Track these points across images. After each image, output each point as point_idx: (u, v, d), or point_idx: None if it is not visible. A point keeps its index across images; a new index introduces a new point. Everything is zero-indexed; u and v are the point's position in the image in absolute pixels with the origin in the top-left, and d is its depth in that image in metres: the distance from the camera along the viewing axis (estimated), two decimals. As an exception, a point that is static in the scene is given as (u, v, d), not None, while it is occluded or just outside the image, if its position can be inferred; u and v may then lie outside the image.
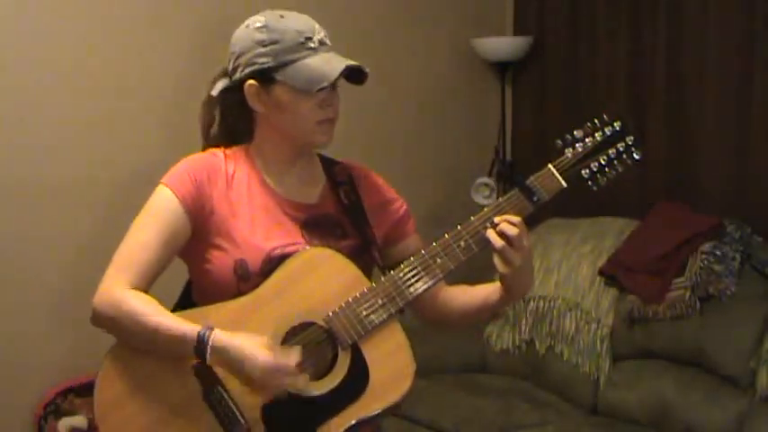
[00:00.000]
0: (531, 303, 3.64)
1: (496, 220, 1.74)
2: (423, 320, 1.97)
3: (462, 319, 1.95)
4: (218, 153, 1.86)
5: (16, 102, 3.17)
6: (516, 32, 4.32)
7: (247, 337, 1.69)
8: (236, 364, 1.67)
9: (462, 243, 1.76)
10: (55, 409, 3.22)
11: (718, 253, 3.24)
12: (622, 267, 3.43)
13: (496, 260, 1.75)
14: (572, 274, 3.57)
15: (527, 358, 3.63)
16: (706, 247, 3.28)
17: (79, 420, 3.20)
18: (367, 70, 1.78)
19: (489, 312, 1.92)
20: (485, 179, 4.10)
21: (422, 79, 4.16)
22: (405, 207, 1.97)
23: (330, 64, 1.74)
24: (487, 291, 1.88)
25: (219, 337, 1.68)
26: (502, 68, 4.20)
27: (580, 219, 3.76)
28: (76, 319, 3.27)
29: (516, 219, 1.74)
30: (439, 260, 1.76)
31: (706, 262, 3.23)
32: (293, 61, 1.74)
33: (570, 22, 4.09)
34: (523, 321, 3.65)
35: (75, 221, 3.29)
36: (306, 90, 1.74)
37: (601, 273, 3.50)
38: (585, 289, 3.52)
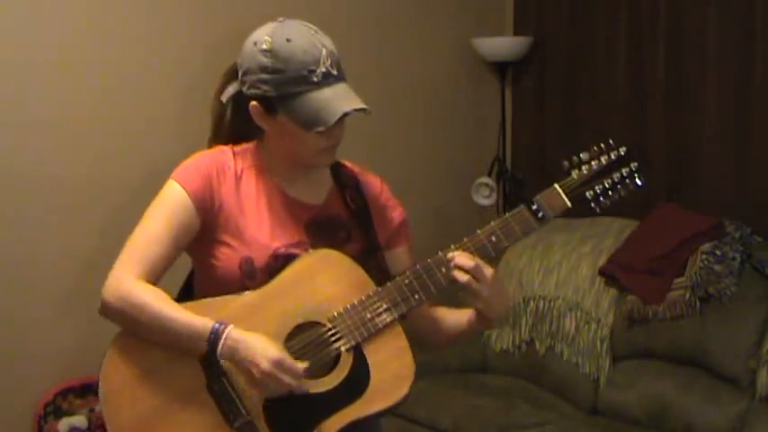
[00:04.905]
0: (531, 303, 3.64)
1: (449, 256, 1.79)
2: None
3: (448, 340, 1.99)
4: (226, 150, 1.87)
5: (32, 101, 3.20)
6: (516, 32, 4.32)
7: (262, 336, 1.72)
8: (246, 355, 1.70)
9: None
10: (55, 409, 3.22)
11: (718, 253, 3.24)
12: (622, 267, 3.43)
13: (465, 295, 1.80)
14: (572, 274, 3.58)
15: (527, 358, 3.63)
16: (706, 247, 3.27)
17: (79, 420, 3.20)
18: (369, 111, 1.76)
19: (471, 335, 1.96)
20: (485, 179, 4.10)
21: (422, 79, 4.16)
22: (403, 216, 1.99)
23: (330, 106, 1.73)
24: (470, 315, 1.91)
25: (234, 330, 1.72)
26: (502, 68, 4.20)
27: (580, 219, 3.76)
28: (77, 319, 3.28)
29: (469, 255, 1.79)
30: (444, 269, 1.80)
31: (706, 262, 3.23)
32: (295, 94, 1.73)
33: (570, 22, 4.09)
34: (523, 321, 3.65)
35: (79, 223, 3.30)
36: (304, 129, 1.75)
37: (601, 273, 3.50)
38: (585, 289, 3.52)
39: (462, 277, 1.78)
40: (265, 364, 1.69)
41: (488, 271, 1.79)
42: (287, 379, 1.70)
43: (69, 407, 3.24)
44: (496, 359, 3.72)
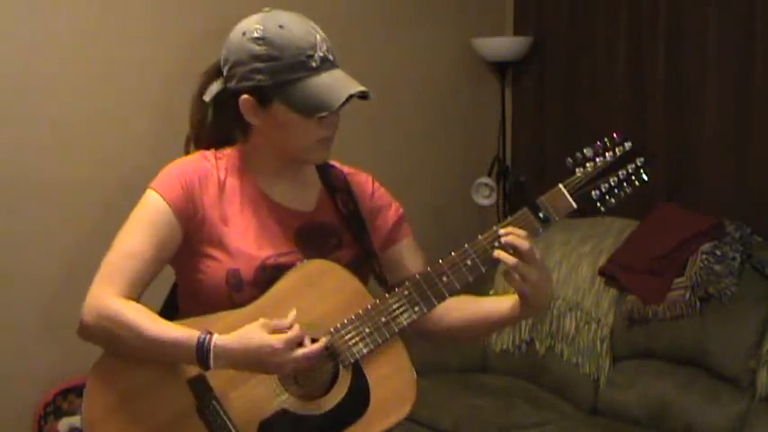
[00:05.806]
0: (532, 303, 3.64)
1: (501, 231, 1.67)
2: (418, 333, 1.87)
3: (464, 331, 1.86)
4: (209, 156, 1.78)
5: (8, 102, 3.17)
6: (516, 32, 4.32)
7: (243, 331, 1.63)
8: (245, 357, 1.61)
9: (469, 262, 1.70)
10: (55, 409, 3.22)
11: (718, 253, 3.24)
12: (622, 267, 3.43)
13: (511, 279, 1.68)
14: (572, 274, 3.57)
15: (527, 358, 3.63)
16: (706, 247, 3.27)
17: (79, 420, 3.20)
18: (371, 95, 1.68)
19: (500, 327, 1.84)
20: (485, 179, 4.09)
21: (422, 79, 4.16)
22: (399, 212, 1.91)
23: (333, 90, 1.66)
24: (500, 304, 1.79)
25: (220, 338, 1.62)
26: (502, 68, 4.20)
27: (580, 218, 3.76)
28: (76, 319, 3.28)
29: (522, 231, 1.67)
30: (445, 279, 1.71)
31: (706, 262, 3.23)
32: (292, 81, 1.66)
33: (570, 22, 4.09)
34: (523, 321, 3.65)
35: (71, 221, 3.30)
36: (305, 115, 1.67)
37: (601, 273, 3.50)
38: (585, 289, 3.52)
39: (510, 259, 1.65)
40: (276, 357, 1.59)
41: (538, 253, 1.67)
42: (296, 351, 1.60)
43: (69, 407, 3.24)
44: (496, 359, 3.72)
